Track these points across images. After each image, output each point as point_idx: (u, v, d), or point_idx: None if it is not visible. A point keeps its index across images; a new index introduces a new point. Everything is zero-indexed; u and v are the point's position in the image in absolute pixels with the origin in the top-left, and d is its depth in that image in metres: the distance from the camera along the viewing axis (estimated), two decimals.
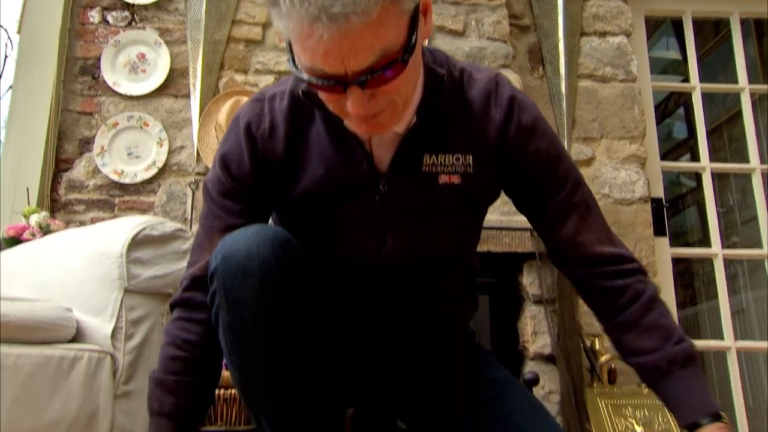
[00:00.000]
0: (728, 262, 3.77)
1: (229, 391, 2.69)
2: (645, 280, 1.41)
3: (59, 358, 1.66)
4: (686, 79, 3.98)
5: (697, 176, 4.41)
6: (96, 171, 3.26)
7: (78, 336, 1.81)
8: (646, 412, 2.74)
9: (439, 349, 1.66)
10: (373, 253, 1.46)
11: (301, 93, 1.38)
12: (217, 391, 2.69)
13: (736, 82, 3.79)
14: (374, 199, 1.41)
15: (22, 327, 1.59)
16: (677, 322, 3.37)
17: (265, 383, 1.36)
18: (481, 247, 2.84)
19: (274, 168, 1.45)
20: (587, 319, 3.13)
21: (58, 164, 3.27)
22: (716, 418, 1.23)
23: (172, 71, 3.38)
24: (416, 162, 1.41)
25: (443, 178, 1.42)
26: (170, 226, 2.02)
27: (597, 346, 3.01)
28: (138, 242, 1.92)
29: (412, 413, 1.76)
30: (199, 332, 1.46)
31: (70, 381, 1.67)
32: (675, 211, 5.15)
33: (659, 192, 3.61)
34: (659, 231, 3.47)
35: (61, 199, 3.24)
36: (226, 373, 2.65)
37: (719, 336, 3.53)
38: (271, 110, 1.46)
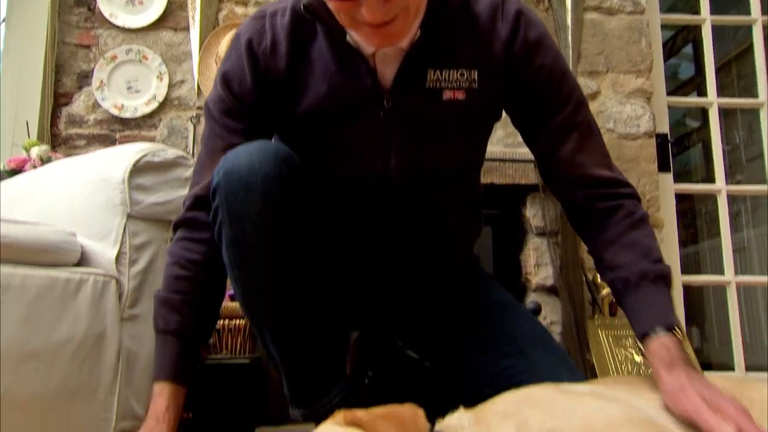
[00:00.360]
0: (731, 200, 3.76)
1: (234, 321, 2.73)
2: (638, 204, 1.41)
3: (65, 281, 1.67)
4: (696, 14, 3.88)
5: (704, 114, 4.36)
6: (96, 105, 3.22)
7: (83, 261, 1.81)
8: None
9: (442, 268, 1.67)
10: (377, 169, 1.45)
11: (302, 7, 1.34)
12: (221, 322, 2.73)
13: (748, 14, 3.70)
14: (378, 116, 1.40)
15: (26, 249, 1.60)
16: (678, 259, 3.41)
17: (268, 299, 1.37)
18: (485, 179, 2.83)
19: (275, 85, 1.43)
20: (589, 255, 3.14)
21: (57, 99, 3.23)
22: (669, 330, 1.19)
23: (170, 3, 3.30)
24: (420, 78, 1.39)
25: (447, 94, 1.40)
26: (172, 152, 2.00)
27: (598, 280, 3.03)
28: (140, 168, 1.90)
29: (414, 335, 1.78)
30: (202, 251, 1.46)
31: (77, 303, 1.68)
32: (680, 150, 5.11)
33: (664, 127, 3.57)
34: (663, 167, 3.44)
35: (62, 134, 3.21)
36: (231, 304, 2.70)
37: (720, 273, 3.55)
38: (272, 26, 1.43)
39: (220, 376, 2.57)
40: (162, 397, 1.40)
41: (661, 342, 1.17)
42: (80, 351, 1.67)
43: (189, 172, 2.03)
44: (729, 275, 3.45)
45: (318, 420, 1.29)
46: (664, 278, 1.31)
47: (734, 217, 4.33)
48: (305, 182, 1.37)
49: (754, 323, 4.16)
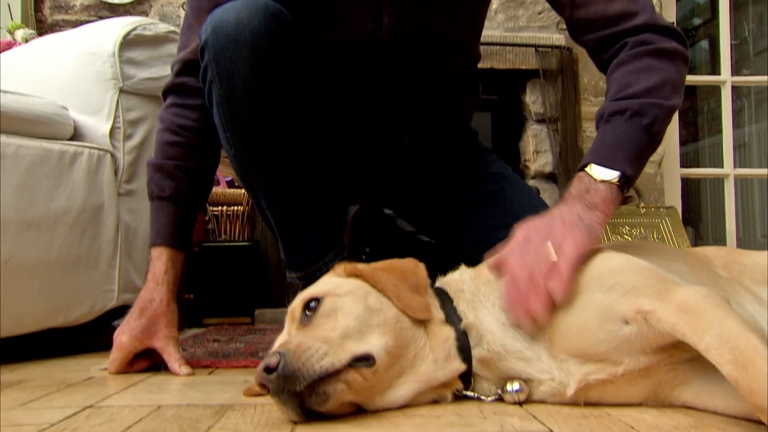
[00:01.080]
0: (735, 96, 3.70)
1: (233, 208, 2.74)
2: (655, 36, 1.26)
3: (59, 152, 1.65)
4: None
5: (712, 6, 4.21)
6: None
7: (76, 136, 1.79)
8: (642, 231, 2.80)
9: (438, 141, 1.65)
10: (367, 32, 1.39)
11: None
12: (220, 208, 2.74)
13: None
14: None
15: (17, 118, 1.57)
16: (678, 156, 3.38)
17: (261, 159, 1.35)
18: (484, 64, 2.77)
19: None
20: (589, 143, 3.11)
21: None
22: (604, 166, 1.11)
23: None
24: None
25: None
26: (163, 27, 1.94)
27: None
28: (130, 42, 1.85)
29: (411, 209, 1.78)
30: (194, 117, 1.44)
31: (72, 175, 1.68)
32: None
33: (671, 17, 3.45)
34: None
35: (47, 20, 3.10)
36: (229, 191, 2.70)
37: (719, 168, 3.53)
38: None
39: (220, 258, 2.61)
40: (160, 261, 1.42)
41: (579, 177, 1.13)
42: (79, 222, 1.68)
43: None
44: (728, 168, 3.44)
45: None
46: (620, 112, 1.17)
47: (737, 113, 4.27)
48: (295, 40, 1.32)
49: (749, 219, 4.19)
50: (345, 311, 0.97)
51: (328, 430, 0.88)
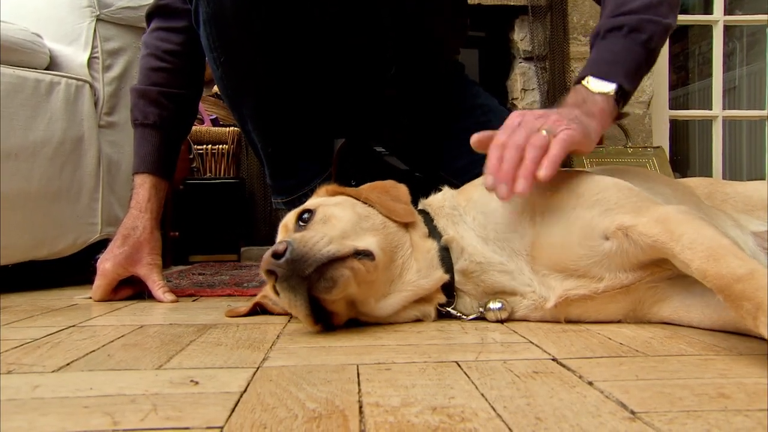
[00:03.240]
0: (728, 38, 3.64)
1: (218, 146, 2.71)
2: None
3: (35, 81, 1.61)
4: None
5: None
6: None
7: (53, 66, 1.74)
8: None
9: (425, 73, 1.62)
10: None
11: None
12: (206, 147, 2.71)
13: None
14: None
15: None
16: (667, 98, 3.35)
17: (248, 79, 1.32)
18: None
19: None
20: None
21: None
22: (600, 78, 1.10)
23: None
24: None
25: None
26: None
27: None
28: None
29: (397, 141, 1.76)
30: (179, 41, 1.40)
31: (50, 105, 1.64)
32: None
33: None
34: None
35: None
36: (214, 129, 2.66)
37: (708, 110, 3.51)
38: None
39: (206, 195, 2.59)
40: (143, 188, 1.40)
41: (576, 89, 1.12)
42: (59, 153, 1.65)
43: None
44: (716, 110, 3.42)
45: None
46: (618, 28, 1.15)
47: (728, 56, 4.22)
48: None
49: (736, 161, 4.20)
50: (338, 217, 0.99)
51: (309, 343, 0.89)
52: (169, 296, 1.35)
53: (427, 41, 1.58)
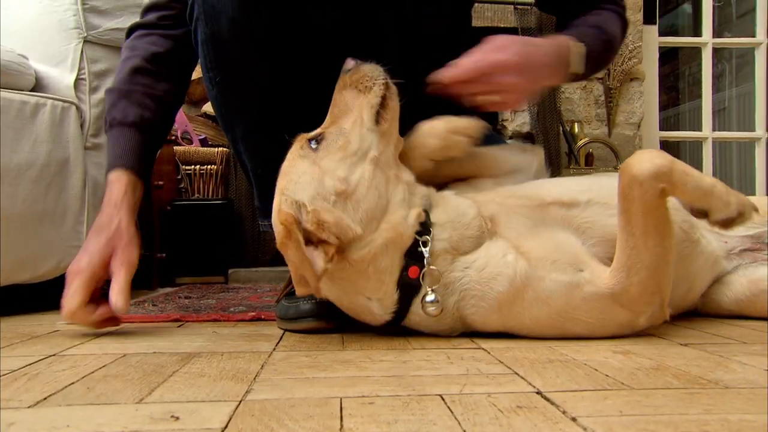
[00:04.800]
0: (717, 59, 3.68)
1: (206, 167, 2.70)
2: (616, 8, 1.42)
3: (20, 103, 1.60)
4: None
5: None
6: None
7: (39, 87, 1.74)
8: None
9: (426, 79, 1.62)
10: None
11: None
12: (194, 167, 2.70)
13: None
14: None
15: None
16: (658, 119, 3.38)
17: (241, 101, 1.31)
18: None
19: None
20: (567, 105, 3.10)
21: None
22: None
23: None
24: None
25: None
26: None
27: (575, 130, 3.01)
28: None
29: None
30: (169, 48, 1.39)
31: (35, 127, 1.63)
32: (668, 8, 4.95)
33: None
34: (649, 19, 3.33)
35: None
36: (202, 149, 2.65)
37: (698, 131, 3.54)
38: None
39: (194, 217, 2.57)
40: (119, 183, 1.29)
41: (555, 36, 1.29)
42: (44, 175, 1.64)
43: None
44: (706, 131, 3.45)
45: None
46: (600, 29, 1.35)
47: (718, 77, 4.27)
48: None
49: (726, 182, 4.21)
50: None
51: (294, 374, 0.87)
52: (121, 304, 1.18)
53: (429, 46, 1.58)
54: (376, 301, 1.10)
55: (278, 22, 1.28)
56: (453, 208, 1.12)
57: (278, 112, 1.33)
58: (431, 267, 1.07)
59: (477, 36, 1.24)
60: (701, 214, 1.03)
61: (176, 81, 1.41)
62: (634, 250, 1.03)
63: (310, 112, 1.47)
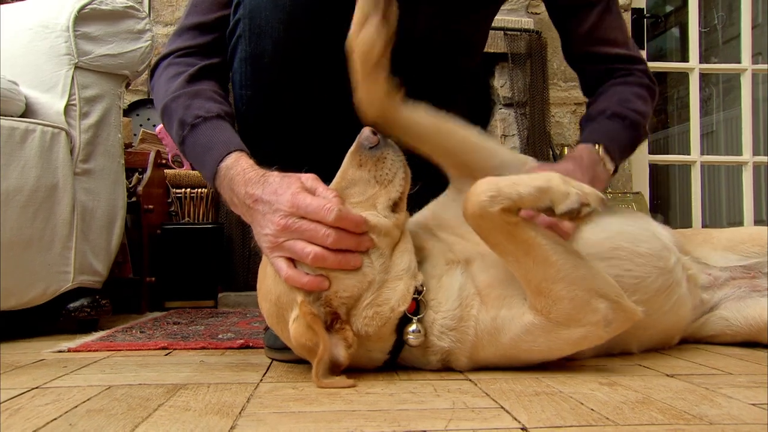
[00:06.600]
0: (704, 84, 3.73)
1: (196, 190, 2.70)
2: (644, 75, 1.48)
3: (9, 129, 1.60)
4: None
5: None
6: None
7: (29, 113, 1.73)
8: None
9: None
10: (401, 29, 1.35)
11: None
12: (184, 190, 2.70)
13: None
14: None
15: None
16: (647, 143, 3.41)
17: (272, 120, 1.32)
18: None
19: None
20: (557, 129, 3.12)
21: None
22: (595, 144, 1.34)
23: None
24: None
25: None
26: (121, 1, 1.88)
27: (566, 154, 3.03)
28: (85, 16, 1.79)
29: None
30: (212, 63, 1.35)
31: (24, 153, 1.62)
32: (656, 33, 5.02)
33: (641, 2, 3.47)
34: (637, 43, 3.36)
35: None
36: (193, 173, 2.64)
37: (687, 155, 3.57)
38: None
39: (184, 240, 2.56)
40: (242, 161, 1.17)
41: (578, 147, 1.34)
42: (32, 201, 1.63)
43: (141, 25, 1.92)
44: (695, 155, 3.48)
45: None
46: (622, 117, 1.37)
47: (705, 101, 4.32)
48: (331, 13, 1.29)
49: (715, 206, 4.25)
50: None
51: (279, 408, 0.87)
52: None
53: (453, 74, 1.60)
54: (377, 351, 1.11)
55: (319, 54, 1.28)
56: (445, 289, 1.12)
57: (302, 140, 1.33)
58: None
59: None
60: (550, 211, 1.00)
61: (226, 90, 1.39)
62: (530, 272, 1.03)
63: (330, 148, 1.47)
